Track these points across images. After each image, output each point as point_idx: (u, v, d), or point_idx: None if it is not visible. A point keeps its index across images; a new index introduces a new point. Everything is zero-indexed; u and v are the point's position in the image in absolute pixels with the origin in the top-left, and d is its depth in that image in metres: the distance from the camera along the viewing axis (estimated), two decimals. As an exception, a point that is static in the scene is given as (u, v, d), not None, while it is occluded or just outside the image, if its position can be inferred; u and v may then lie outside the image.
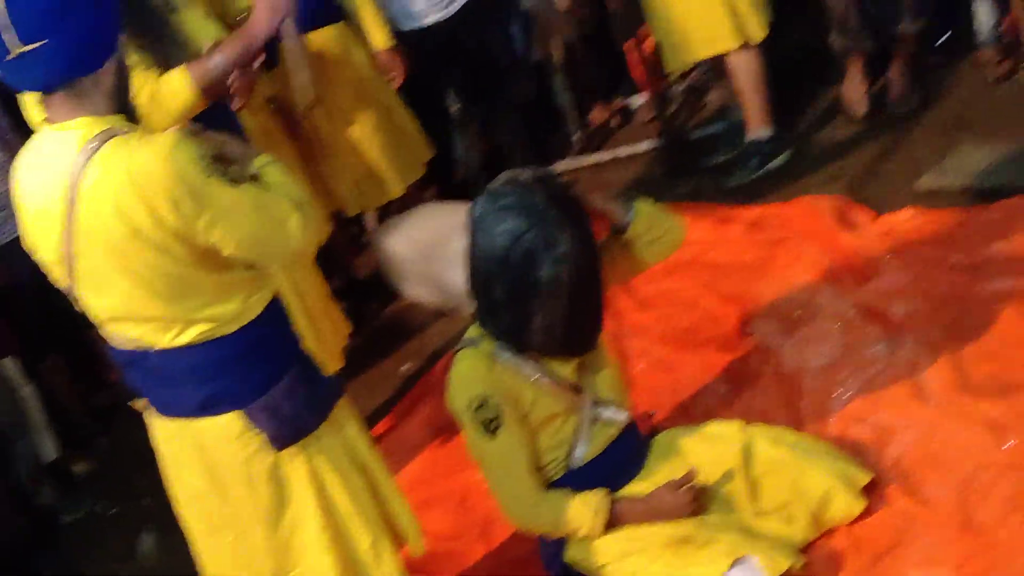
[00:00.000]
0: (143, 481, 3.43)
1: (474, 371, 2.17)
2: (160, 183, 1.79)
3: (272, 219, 1.92)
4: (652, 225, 2.28)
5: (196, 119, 2.35)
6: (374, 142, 4.11)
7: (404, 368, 3.80)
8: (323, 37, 3.99)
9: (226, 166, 1.95)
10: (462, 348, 2.25)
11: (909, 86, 4.11)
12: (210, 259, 1.91)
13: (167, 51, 2.79)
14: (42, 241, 1.93)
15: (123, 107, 1.91)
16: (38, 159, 1.90)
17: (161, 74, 2.78)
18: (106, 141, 1.81)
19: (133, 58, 2.70)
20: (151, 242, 1.83)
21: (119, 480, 3.74)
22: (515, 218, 2.07)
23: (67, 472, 3.94)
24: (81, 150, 1.81)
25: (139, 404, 2.14)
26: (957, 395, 2.62)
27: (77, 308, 2.03)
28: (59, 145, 1.85)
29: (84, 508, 3.77)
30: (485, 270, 2.13)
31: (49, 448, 3.84)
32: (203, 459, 2.05)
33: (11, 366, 3.78)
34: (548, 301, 2.09)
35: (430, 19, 4.30)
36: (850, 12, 4.01)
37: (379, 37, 4.09)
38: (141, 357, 2.00)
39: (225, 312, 1.96)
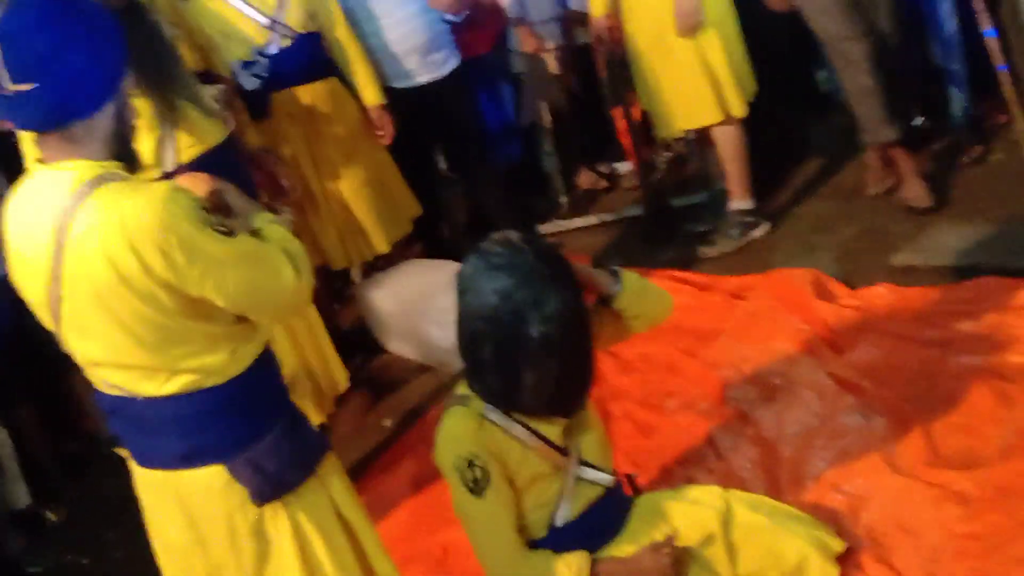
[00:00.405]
0: (112, 533, 3.42)
1: (463, 429, 2.17)
2: (151, 233, 1.76)
3: (265, 272, 1.89)
4: (639, 299, 2.31)
5: (208, 168, 2.35)
6: (361, 197, 4.14)
7: (386, 423, 3.81)
8: (315, 91, 4.02)
9: (224, 216, 1.93)
10: (452, 405, 2.25)
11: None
12: (199, 309, 1.87)
13: (175, 96, 2.83)
14: (29, 281, 1.89)
15: (122, 153, 1.89)
16: (30, 198, 1.87)
17: (166, 122, 2.81)
18: (99, 186, 1.79)
19: (140, 104, 2.70)
20: (138, 291, 1.80)
21: (88, 531, 3.66)
22: (505, 277, 2.08)
23: (36, 521, 3.85)
24: (74, 193, 1.78)
25: (124, 451, 2.10)
26: (927, 466, 2.70)
27: (63, 350, 1.99)
28: (52, 186, 1.82)
29: (51, 558, 3.67)
30: (474, 328, 2.14)
31: (20, 496, 3.78)
32: (185, 511, 2.01)
33: (-19, 411, 3.74)
34: (537, 361, 2.09)
35: (422, 79, 4.37)
36: (873, 108, 4.00)
37: (370, 94, 4.13)
38: (125, 404, 1.95)
39: (212, 363, 1.91)
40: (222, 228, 1.86)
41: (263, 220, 2.02)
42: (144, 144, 2.75)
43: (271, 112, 3.96)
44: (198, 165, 2.83)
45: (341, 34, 4.06)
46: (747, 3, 4.23)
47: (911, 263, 3.66)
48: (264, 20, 3.87)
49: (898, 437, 2.82)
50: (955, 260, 3.56)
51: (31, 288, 1.89)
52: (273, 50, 3.91)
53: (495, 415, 2.19)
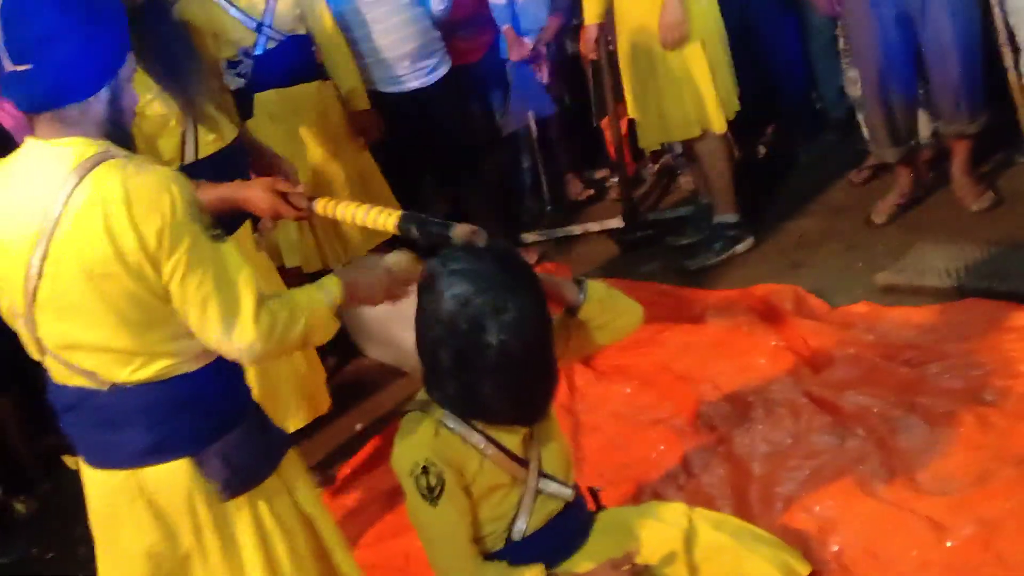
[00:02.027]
0: (81, 529, 3.36)
1: (419, 436, 2.13)
2: (153, 210, 1.79)
3: (223, 295, 1.85)
4: (604, 309, 2.26)
5: (224, 162, 2.31)
6: (341, 199, 4.14)
7: (358, 427, 3.77)
8: (298, 93, 4.04)
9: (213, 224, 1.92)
10: (411, 411, 2.21)
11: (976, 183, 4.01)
12: None
13: (196, 93, 2.83)
14: (8, 255, 1.87)
15: (116, 136, 1.89)
16: (18, 172, 1.88)
17: (188, 118, 2.82)
18: (103, 161, 1.81)
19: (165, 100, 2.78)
20: (131, 267, 1.81)
21: (58, 525, 3.64)
22: (464, 283, 2.04)
23: (6, 513, 3.83)
24: (76, 167, 1.80)
25: (72, 463, 2.08)
26: (901, 491, 2.64)
27: (21, 337, 1.96)
28: (48, 160, 1.83)
29: (19, 550, 3.66)
30: (432, 334, 2.10)
31: (-13, 487, 3.76)
32: (150, 509, 1.98)
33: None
34: (495, 369, 2.05)
35: (411, 85, 4.39)
36: (878, 125, 4.01)
37: (354, 98, 4.14)
38: (88, 397, 1.93)
39: (190, 348, 1.91)
40: (212, 232, 1.86)
41: (329, 280, 2.01)
42: (168, 140, 2.84)
43: (252, 112, 3.97)
44: (216, 159, 2.91)
45: (328, 37, 4.07)
46: (744, 20, 4.21)
47: (894, 283, 3.62)
48: (251, 22, 3.90)
49: (873, 459, 2.77)
50: (939, 281, 3.52)
51: (6, 264, 1.87)
52: (258, 51, 3.94)
53: (453, 422, 2.15)
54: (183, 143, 2.89)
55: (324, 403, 3.42)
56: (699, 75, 3.99)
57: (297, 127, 4.04)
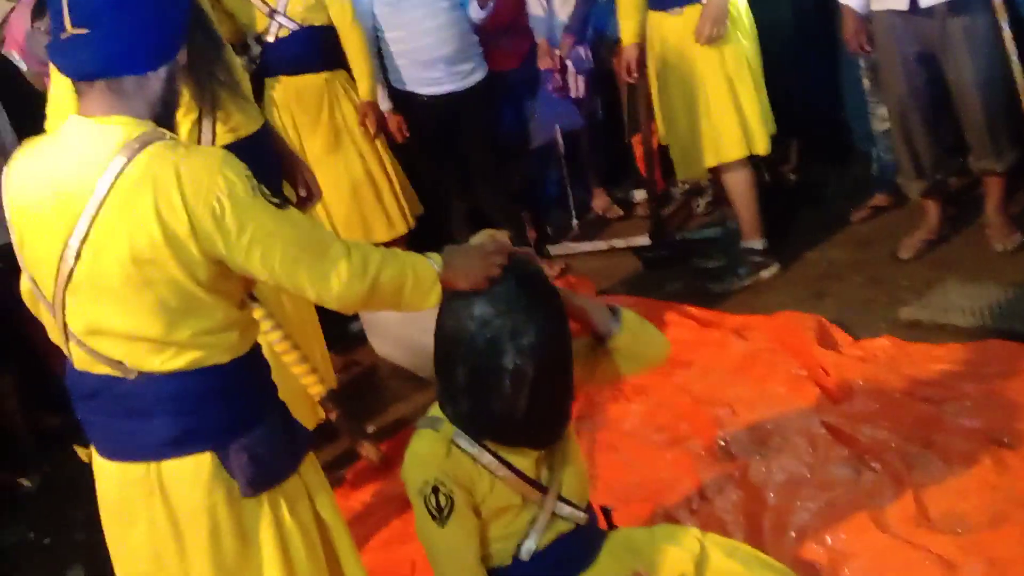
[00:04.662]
0: (77, 514, 3.40)
1: (430, 454, 2.09)
2: (208, 192, 1.74)
3: (313, 253, 1.83)
4: (636, 341, 2.21)
5: (240, 155, 2.32)
6: (344, 193, 4.20)
7: (369, 429, 3.78)
8: (306, 82, 4.11)
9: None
10: (422, 427, 2.17)
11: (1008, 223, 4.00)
12: (224, 285, 1.85)
13: (215, 82, 2.79)
14: (41, 236, 1.82)
15: (164, 119, 1.85)
16: (63, 150, 1.82)
17: (205, 105, 2.80)
18: (153, 141, 1.76)
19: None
20: (179, 252, 1.76)
21: (54, 510, 3.64)
22: (484, 303, 2.01)
23: (7, 491, 3.82)
24: (124, 145, 1.75)
25: (84, 454, 2.03)
26: (914, 527, 2.63)
27: (45, 321, 1.93)
28: (96, 138, 1.78)
29: (17, 534, 3.63)
30: (449, 351, 2.06)
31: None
32: (166, 506, 1.92)
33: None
34: (509, 391, 2.02)
35: (445, 88, 4.40)
36: (903, 155, 4.02)
37: (363, 88, 4.17)
38: (112, 385, 1.87)
39: (223, 341, 1.88)
40: (274, 200, 1.83)
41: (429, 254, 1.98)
42: (180, 127, 2.75)
43: (262, 97, 4.05)
44: (236, 149, 2.82)
45: (346, 28, 4.12)
46: (775, 50, 4.21)
47: (917, 318, 3.61)
48: (265, 8, 3.98)
49: (887, 494, 2.76)
50: (963, 320, 3.50)
51: (41, 244, 1.83)
52: (270, 38, 4.03)
53: (465, 442, 2.11)
54: (199, 130, 2.85)
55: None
56: (745, 97, 3.99)
57: (303, 116, 4.10)
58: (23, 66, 4.33)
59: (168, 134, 1.83)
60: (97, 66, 1.78)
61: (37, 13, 4.11)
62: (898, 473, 2.82)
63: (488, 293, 2.02)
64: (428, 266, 1.95)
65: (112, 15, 1.75)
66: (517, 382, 2.01)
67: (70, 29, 1.76)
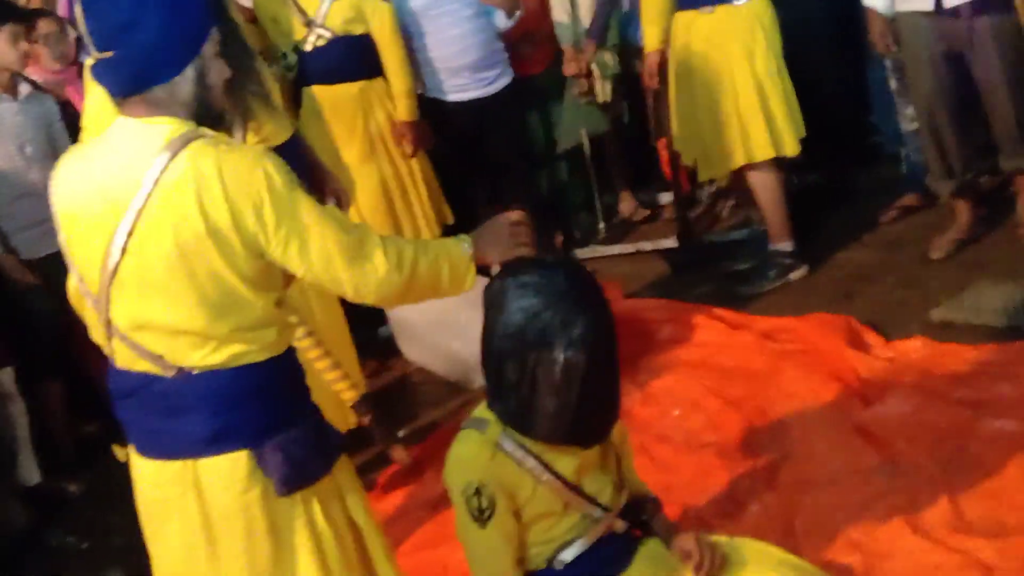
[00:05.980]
0: (117, 519, 3.39)
1: (475, 456, 2.09)
2: (248, 185, 1.80)
3: (349, 247, 1.88)
4: None
5: None
6: (374, 201, 4.21)
7: (401, 433, 3.79)
8: (340, 93, 4.14)
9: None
10: (467, 428, 2.16)
11: None
12: (266, 281, 1.90)
13: (245, 92, 2.82)
14: (87, 234, 1.88)
15: (205, 115, 1.90)
16: (110, 148, 1.89)
17: (236, 115, 2.79)
18: (195, 139, 1.83)
19: None
20: (222, 246, 1.82)
21: (94, 514, 3.66)
22: (533, 296, 2.02)
23: (50, 497, 3.85)
24: (169, 142, 1.82)
25: (122, 454, 2.07)
26: (950, 531, 2.61)
27: (86, 320, 1.97)
28: (141, 136, 1.85)
29: (55, 538, 3.67)
30: (498, 347, 2.07)
31: (30, 471, 3.80)
32: (200, 505, 1.95)
33: (6, 378, 3.74)
34: (561, 383, 2.01)
35: (471, 94, 4.41)
36: (932, 156, 4.00)
37: (401, 107, 4.20)
38: (151, 382, 1.92)
39: (263, 337, 1.92)
40: (313, 197, 1.88)
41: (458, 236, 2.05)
42: None
43: (299, 106, 4.10)
44: None
45: (386, 42, 4.14)
46: (802, 52, 4.19)
47: (950, 319, 3.58)
48: (303, 17, 4.01)
49: (922, 497, 2.73)
50: (995, 320, 3.48)
51: (88, 240, 1.88)
52: (307, 48, 4.06)
53: (510, 445, 2.10)
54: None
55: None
56: (774, 97, 3.98)
57: (336, 125, 4.11)
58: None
59: (211, 132, 1.88)
60: (127, 84, 1.86)
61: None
62: (932, 475, 2.79)
63: (537, 286, 2.03)
64: (461, 248, 2.03)
65: (125, 37, 1.83)
66: (569, 374, 2.00)
67: (95, 54, 1.86)
